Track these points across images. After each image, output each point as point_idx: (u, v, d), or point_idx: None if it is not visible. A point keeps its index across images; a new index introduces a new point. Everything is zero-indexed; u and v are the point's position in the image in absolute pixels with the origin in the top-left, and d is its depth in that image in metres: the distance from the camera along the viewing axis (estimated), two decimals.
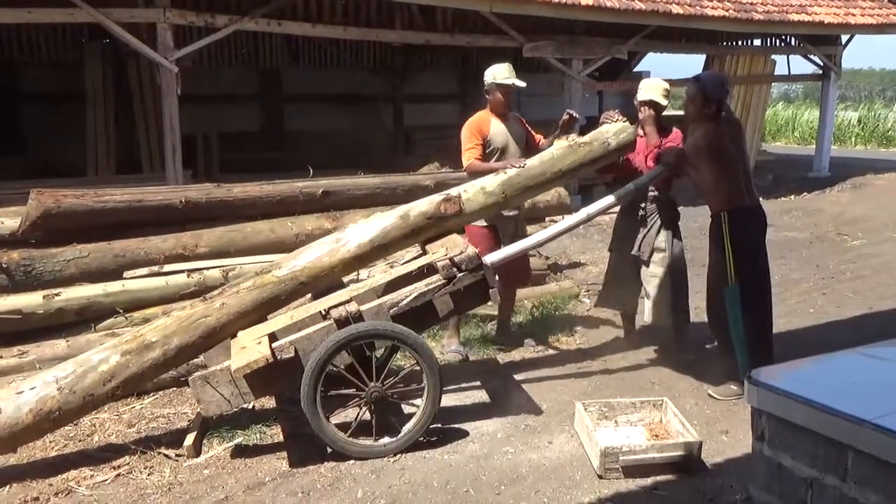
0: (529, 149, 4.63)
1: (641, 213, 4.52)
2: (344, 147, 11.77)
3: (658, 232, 4.47)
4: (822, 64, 12.81)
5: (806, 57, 12.84)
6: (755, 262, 3.98)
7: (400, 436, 3.41)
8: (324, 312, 3.45)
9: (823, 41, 12.50)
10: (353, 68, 13.45)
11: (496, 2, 8.56)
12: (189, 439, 3.46)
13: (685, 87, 4.17)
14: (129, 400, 3.98)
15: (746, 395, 2.80)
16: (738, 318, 3.90)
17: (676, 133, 4.45)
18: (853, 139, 21.90)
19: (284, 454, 3.44)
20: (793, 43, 12.71)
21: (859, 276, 6.66)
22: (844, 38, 12.72)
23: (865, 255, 7.47)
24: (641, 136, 4.38)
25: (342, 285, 3.87)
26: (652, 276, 4.49)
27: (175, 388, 4.13)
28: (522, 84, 4.60)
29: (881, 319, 5.35)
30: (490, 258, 3.88)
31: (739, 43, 13.13)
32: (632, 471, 3.15)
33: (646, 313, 4.59)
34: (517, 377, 4.34)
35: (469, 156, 4.54)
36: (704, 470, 3.22)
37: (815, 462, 2.54)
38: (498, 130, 4.60)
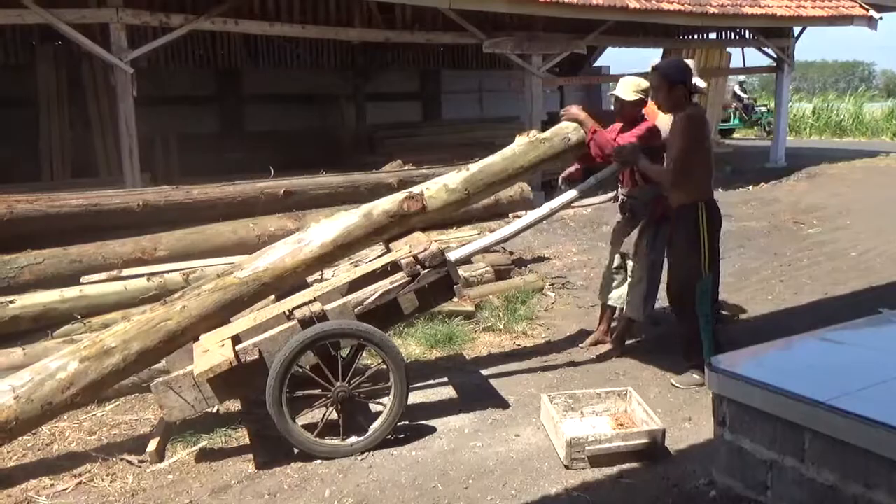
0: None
1: (628, 208, 4.54)
2: (306, 147, 11.70)
3: (644, 228, 4.47)
4: (775, 56, 13.07)
5: (760, 49, 13.08)
6: (718, 253, 4.08)
7: (367, 434, 3.39)
8: (288, 313, 3.43)
9: (776, 34, 12.76)
10: (313, 68, 13.35)
11: None
12: (152, 445, 3.40)
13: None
14: (89, 407, 3.90)
15: (707, 382, 2.87)
16: (708, 312, 3.98)
17: (641, 126, 4.41)
18: (808, 130, 22.39)
19: (251, 456, 3.41)
20: (747, 36, 12.95)
21: (815, 263, 6.82)
22: (797, 30, 13.00)
23: (821, 243, 7.64)
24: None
25: (306, 285, 3.85)
26: (633, 270, 4.53)
27: (137, 394, 4.06)
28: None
29: (836, 304, 5.48)
30: (454, 255, 3.90)
31: (695, 37, 13.34)
32: (598, 460, 3.18)
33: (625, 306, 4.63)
34: (484, 372, 4.36)
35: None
36: (669, 457, 3.26)
37: (774, 444, 2.61)
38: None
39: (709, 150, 4.06)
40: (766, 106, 19.59)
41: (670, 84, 3.93)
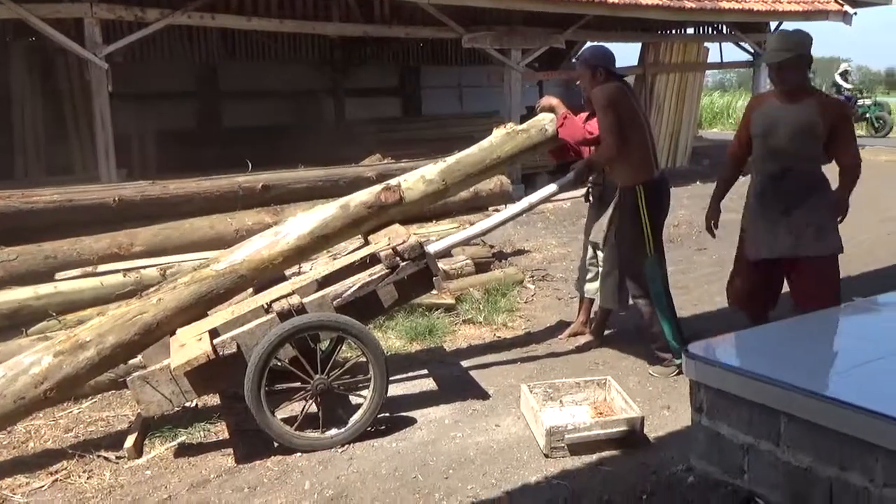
0: None
1: (596, 195, 4.56)
2: (285, 142, 11.62)
3: (611, 218, 4.49)
4: (752, 51, 13.18)
5: (737, 44, 13.20)
6: (661, 232, 4.12)
7: (347, 427, 3.38)
8: (266, 306, 3.40)
9: (753, 28, 12.87)
10: (291, 63, 13.27)
11: None
12: (129, 441, 3.37)
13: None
14: (65, 405, 3.85)
15: (685, 369, 2.88)
16: (661, 291, 4.03)
17: None
18: None
19: (230, 450, 3.38)
20: (724, 31, 13.06)
21: None
22: (773, 25, 13.11)
23: None
24: None
25: (284, 278, 3.83)
26: (603, 260, 4.55)
27: (114, 391, 4.01)
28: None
29: None
30: (433, 247, 3.89)
31: (673, 31, 13.42)
32: (577, 448, 3.20)
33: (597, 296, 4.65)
34: (464, 364, 4.36)
35: None
36: (648, 444, 3.29)
37: (750, 429, 2.63)
38: None
39: (643, 129, 4.05)
40: (870, 98, 17.44)
41: (592, 69, 4.04)
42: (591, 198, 4.65)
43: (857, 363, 2.69)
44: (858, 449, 2.26)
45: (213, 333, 3.33)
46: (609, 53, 4.15)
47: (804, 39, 3.71)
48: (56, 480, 3.16)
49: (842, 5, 12.50)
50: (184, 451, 3.41)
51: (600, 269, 4.57)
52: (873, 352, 2.79)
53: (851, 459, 2.29)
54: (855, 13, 12.57)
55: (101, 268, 4.54)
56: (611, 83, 3.99)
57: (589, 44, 6.65)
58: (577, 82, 4.53)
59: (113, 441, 3.47)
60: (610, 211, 4.44)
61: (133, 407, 3.74)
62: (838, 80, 17.04)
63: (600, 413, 3.54)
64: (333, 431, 3.37)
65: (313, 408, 3.40)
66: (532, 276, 6.17)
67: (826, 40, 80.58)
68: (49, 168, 9.22)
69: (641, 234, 3.99)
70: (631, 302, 4.36)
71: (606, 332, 4.72)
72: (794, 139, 3.70)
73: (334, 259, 4.10)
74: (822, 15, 12.46)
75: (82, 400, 3.94)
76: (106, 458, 3.32)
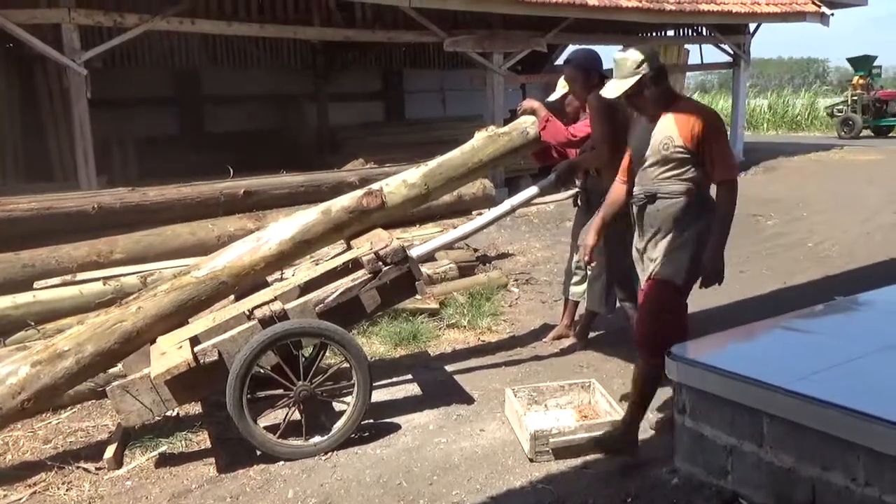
0: None
1: (584, 199, 4.56)
2: (268, 148, 11.56)
3: None
4: (732, 53, 13.29)
5: (717, 46, 13.30)
6: None
7: (331, 434, 3.36)
8: (248, 313, 3.37)
9: (733, 30, 12.97)
10: (274, 68, 13.22)
11: None
12: (109, 451, 3.32)
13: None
14: (44, 415, 3.80)
15: (667, 371, 2.89)
16: None
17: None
18: (765, 125, 22.88)
19: (212, 460, 3.35)
20: (704, 33, 13.15)
21: (773, 254, 6.95)
22: (752, 27, 13.23)
23: (779, 234, 7.79)
24: None
25: (266, 284, 3.80)
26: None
27: (94, 401, 3.96)
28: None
29: (794, 293, 5.59)
30: (416, 251, 3.88)
31: (654, 34, 13.49)
32: (562, 452, 3.19)
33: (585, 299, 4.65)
34: (448, 368, 4.35)
35: None
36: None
37: (733, 430, 2.64)
38: None
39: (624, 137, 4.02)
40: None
41: (586, 73, 4.04)
42: (579, 202, 4.64)
43: (838, 362, 2.71)
44: (840, 448, 2.27)
45: (195, 341, 3.30)
46: (599, 59, 4.15)
47: (630, 60, 3.09)
48: (34, 493, 3.11)
49: (819, 6, 12.64)
50: (165, 461, 3.37)
51: (587, 272, 4.57)
52: (853, 351, 2.81)
53: (833, 459, 2.30)
54: (832, 14, 12.72)
55: (81, 275, 4.49)
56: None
57: (575, 47, 6.62)
58: (563, 87, 4.52)
59: (93, 452, 3.42)
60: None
61: (113, 417, 3.69)
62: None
63: (585, 416, 3.54)
64: (317, 439, 3.35)
65: (296, 415, 3.37)
66: (516, 280, 6.17)
67: (805, 42, 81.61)
68: (28, 175, 9.11)
69: (630, 237, 3.97)
70: (618, 305, 4.37)
71: (591, 334, 4.72)
72: (651, 160, 3.16)
73: (316, 264, 4.08)
74: (799, 16, 12.59)
75: (61, 410, 3.89)
76: (85, 470, 3.28)
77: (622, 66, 3.11)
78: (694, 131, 3.06)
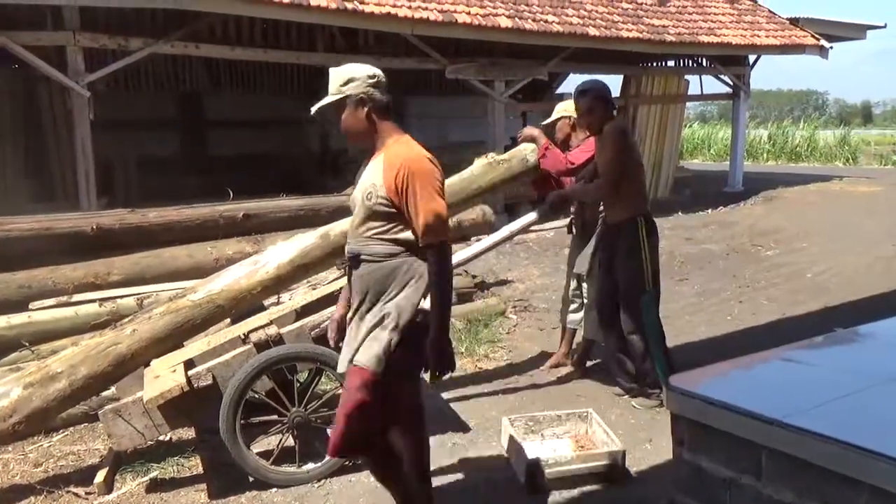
0: None
1: (580, 227, 4.56)
2: (269, 171, 11.60)
3: (595, 249, 4.48)
4: (732, 84, 13.38)
5: (717, 77, 13.39)
6: (659, 266, 4.11)
7: (324, 461, 3.32)
8: (243, 336, 3.35)
9: (733, 62, 13.07)
10: (276, 92, 13.31)
11: (417, 24, 8.61)
12: (100, 476, 3.28)
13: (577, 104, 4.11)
14: (35, 438, 3.76)
15: (666, 402, 2.86)
16: (654, 323, 4.01)
17: (588, 143, 4.43)
18: (765, 155, 22.97)
19: (203, 486, 3.30)
20: (704, 64, 13.26)
21: (773, 284, 6.92)
22: (752, 58, 13.34)
23: (778, 265, 7.77)
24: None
25: (263, 308, 3.78)
26: (588, 293, 4.52)
27: (86, 424, 3.92)
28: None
29: (793, 324, 5.56)
30: None
31: (654, 64, 13.61)
32: (558, 483, 3.15)
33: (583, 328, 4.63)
34: (445, 396, 4.31)
35: None
36: (629, 478, 3.24)
37: (732, 463, 2.59)
38: None
39: (639, 164, 4.10)
40: None
41: (606, 102, 4.06)
42: (573, 229, 4.65)
43: (839, 395, 2.67)
44: (842, 485, 2.23)
45: (189, 364, 3.27)
46: (609, 89, 4.20)
47: (339, 76, 2.67)
48: None
49: (818, 39, 12.76)
50: (156, 486, 3.32)
51: (584, 300, 4.55)
52: (854, 384, 2.77)
53: (834, 496, 2.26)
54: (831, 47, 12.83)
55: (77, 297, 4.46)
56: (622, 122, 4.03)
57: (576, 76, 6.67)
58: (556, 113, 4.54)
59: (83, 476, 3.38)
60: (593, 242, 4.44)
61: (105, 441, 3.65)
62: None
63: (581, 446, 3.50)
64: (310, 466, 3.31)
65: (290, 441, 3.33)
66: (514, 307, 6.14)
67: (804, 75, 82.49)
68: (30, 195, 9.12)
69: (641, 268, 3.98)
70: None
71: (588, 363, 4.69)
72: (356, 212, 2.61)
73: (314, 289, 4.05)
74: (798, 49, 12.70)
75: (53, 433, 3.85)
76: (75, 494, 3.24)
77: (331, 80, 2.62)
78: (398, 179, 2.44)
